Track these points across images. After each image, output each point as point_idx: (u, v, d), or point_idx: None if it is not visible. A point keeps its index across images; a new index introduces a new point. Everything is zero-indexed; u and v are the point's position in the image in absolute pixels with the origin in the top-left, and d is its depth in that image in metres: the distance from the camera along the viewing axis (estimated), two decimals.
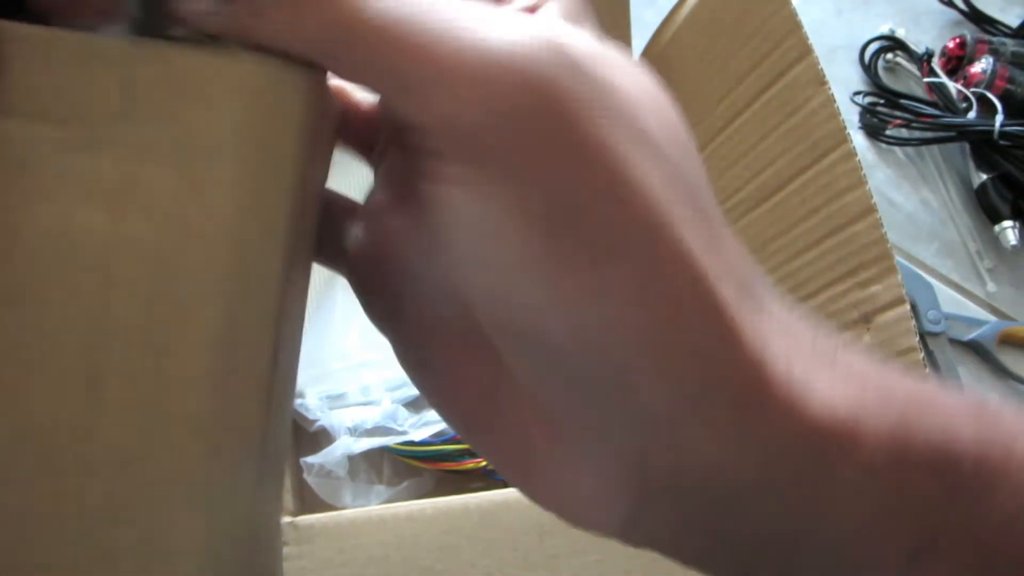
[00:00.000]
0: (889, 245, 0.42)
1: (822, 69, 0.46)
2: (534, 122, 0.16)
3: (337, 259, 0.25)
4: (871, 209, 0.43)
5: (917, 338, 0.39)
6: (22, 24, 0.16)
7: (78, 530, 0.18)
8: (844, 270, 0.44)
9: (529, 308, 0.18)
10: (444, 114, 0.17)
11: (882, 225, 0.42)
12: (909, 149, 0.79)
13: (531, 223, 0.17)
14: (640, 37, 0.65)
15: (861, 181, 0.43)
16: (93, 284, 0.17)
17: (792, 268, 0.48)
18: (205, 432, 0.18)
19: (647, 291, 0.17)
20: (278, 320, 0.19)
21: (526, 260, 0.17)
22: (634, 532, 0.20)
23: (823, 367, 0.18)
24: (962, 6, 0.83)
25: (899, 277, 0.41)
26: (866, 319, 0.43)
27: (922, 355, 0.39)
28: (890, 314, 0.41)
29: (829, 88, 0.46)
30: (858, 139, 0.78)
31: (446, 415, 0.23)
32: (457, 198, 0.18)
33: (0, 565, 0.18)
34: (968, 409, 0.19)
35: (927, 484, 0.18)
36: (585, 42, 0.18)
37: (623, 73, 0.18)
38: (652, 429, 0.18)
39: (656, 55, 0.62)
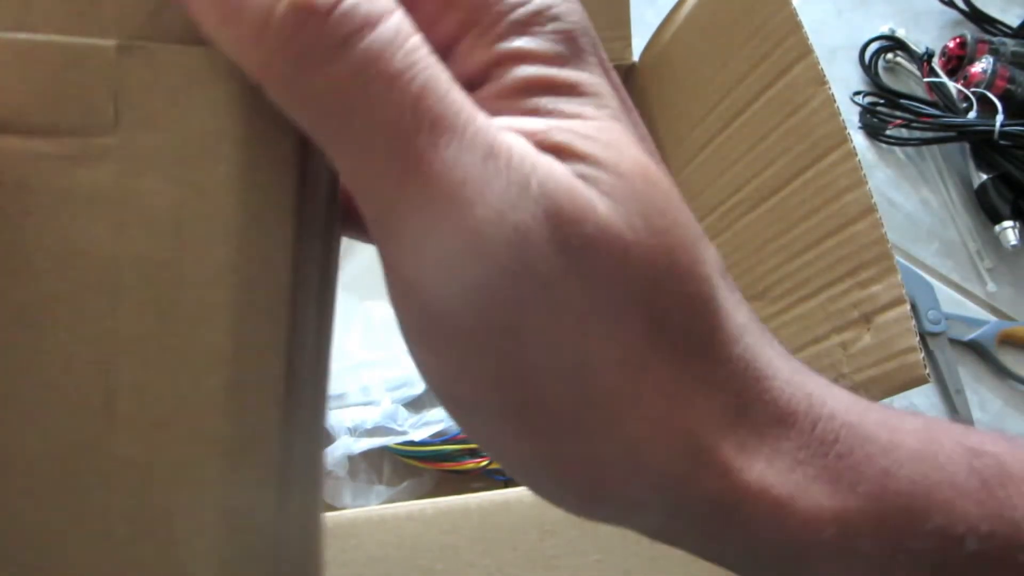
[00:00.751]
0: (889, 245, 0.42)
1: (822, 69, 0.46)
2: (507, 304, 0.16)
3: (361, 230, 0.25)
4: (871, 209, 0.43)
5: (917, 338, 0.39)
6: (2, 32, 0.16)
7: (102, 547, 0.18)
8: (844, 270, 0.44)
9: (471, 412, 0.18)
10: (418, 262, 0.16)
11: (882, 225, 0.42)
12: (909, 149, 0.78)
13: (476, 383, 0.17)
14: (640, 36, 0.65)
15: (861, 181, 0.43)
16: (100, 301, 0.17)
17: (792, 268, 0.48)
18: (221, 448, 0.18)
19: (613, 442, 0.17)
20: (291, 327, 0.18)
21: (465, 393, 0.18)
22: None
23: (815, 464, 0.18)
24: (962, 6, 0.83)
25: (899, 277, 0.41)
26: (866, 319, 0.43)
27: (922, 355, 0.39)
28: (890, 314, 0.41)
29: (829, 88, 0.46)
30: (858, 139, 0.78)
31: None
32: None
33: None
34: (979, 480, 0.19)
35: (923, 570, 0.18)
36: (580, 211, 0.16)
37: (618, 223, 0.16)
38: (636, 524, 0.19)
39: (656, 55, 0.62)
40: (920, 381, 0.39)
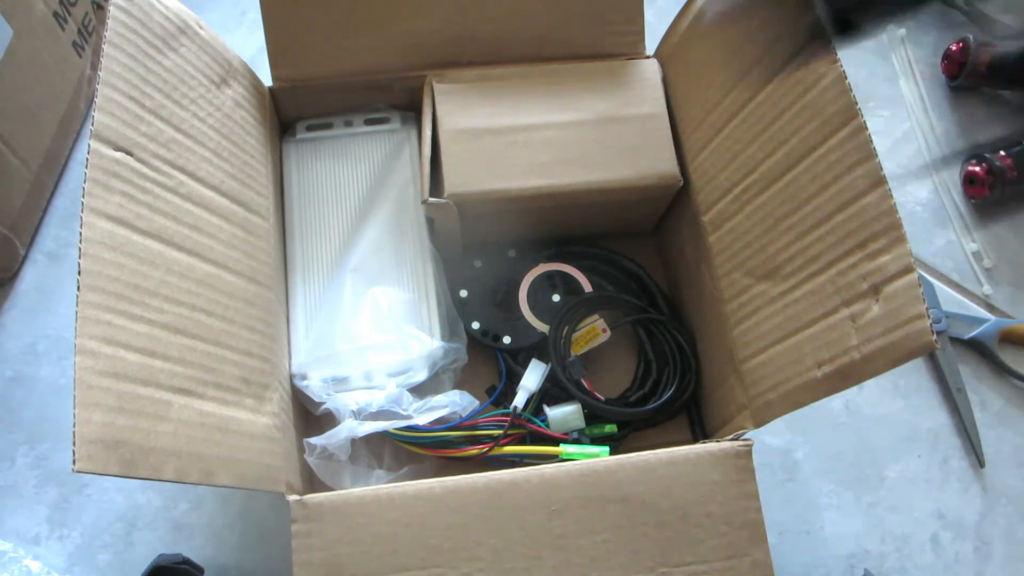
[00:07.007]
0: (899, 215, 0.42)
1: (835, 46, 0.47)
2: None
3: None
4: (880, 181, 0.43)
5: (925, 305, 0.39)
6: None
7: None
8: (853, 243, 0.45)
9: None
10: None
11: (892, 196, 0.42)
12: (914, 163, 0.79)
13: None
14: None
15: (871, 154, 0.44)
16: None
17: (803, 245, 0.48)
18: None
19: None
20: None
21: None
22: None
23: None
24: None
25: (908, 246, 0.41)
26: (875, 290, 0.43)
27: (930, 322, 0.38)
28: (899, 283, 0.41)
29: (840, 65, 0.46)
30: None
31: None
32: None
33: None
34: None
35: None
36: None
37: None
38: None
39: (673, 46, 0.61)
40: (927, 348, 0.39)
